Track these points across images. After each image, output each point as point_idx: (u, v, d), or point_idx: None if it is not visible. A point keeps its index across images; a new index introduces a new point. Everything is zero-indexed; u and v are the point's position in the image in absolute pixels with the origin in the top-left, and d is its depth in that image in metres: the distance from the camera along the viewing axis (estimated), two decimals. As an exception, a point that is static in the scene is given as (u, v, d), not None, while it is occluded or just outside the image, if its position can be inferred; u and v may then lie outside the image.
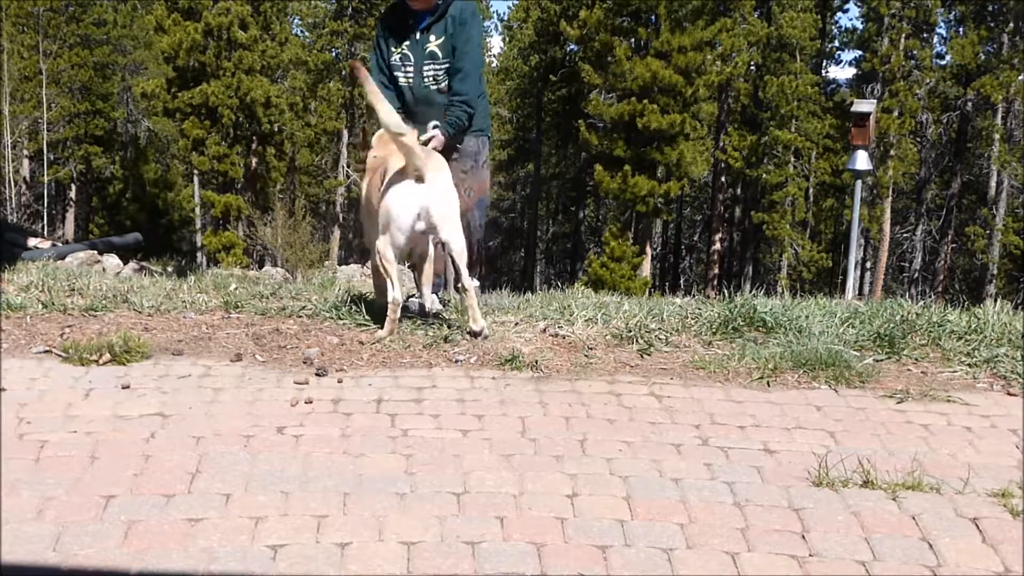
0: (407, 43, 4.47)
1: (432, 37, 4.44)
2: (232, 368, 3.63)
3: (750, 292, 4.75)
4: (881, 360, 3.87)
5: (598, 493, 2.62)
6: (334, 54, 32.98)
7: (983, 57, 29.33)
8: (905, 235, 33.09)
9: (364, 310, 4.36)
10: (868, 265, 31.57)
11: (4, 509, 2.41)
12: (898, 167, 28.06)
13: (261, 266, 22.46)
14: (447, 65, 4.45)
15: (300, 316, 4.40)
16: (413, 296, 4.63)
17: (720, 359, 3.81)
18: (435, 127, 4.38)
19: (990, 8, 30.38)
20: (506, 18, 35.59)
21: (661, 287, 31.20)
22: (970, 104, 30.26)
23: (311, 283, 5.83)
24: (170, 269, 10.96)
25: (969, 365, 3.81)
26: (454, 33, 4.42)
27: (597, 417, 3.19)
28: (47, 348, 3.74)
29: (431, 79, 4.48)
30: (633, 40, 25.18)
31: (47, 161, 30.24)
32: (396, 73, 4.52)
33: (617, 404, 3.33)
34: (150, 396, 3.26)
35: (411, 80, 4.50)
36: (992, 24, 30.04)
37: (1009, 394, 3.54)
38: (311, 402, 3.25)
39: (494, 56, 37.02)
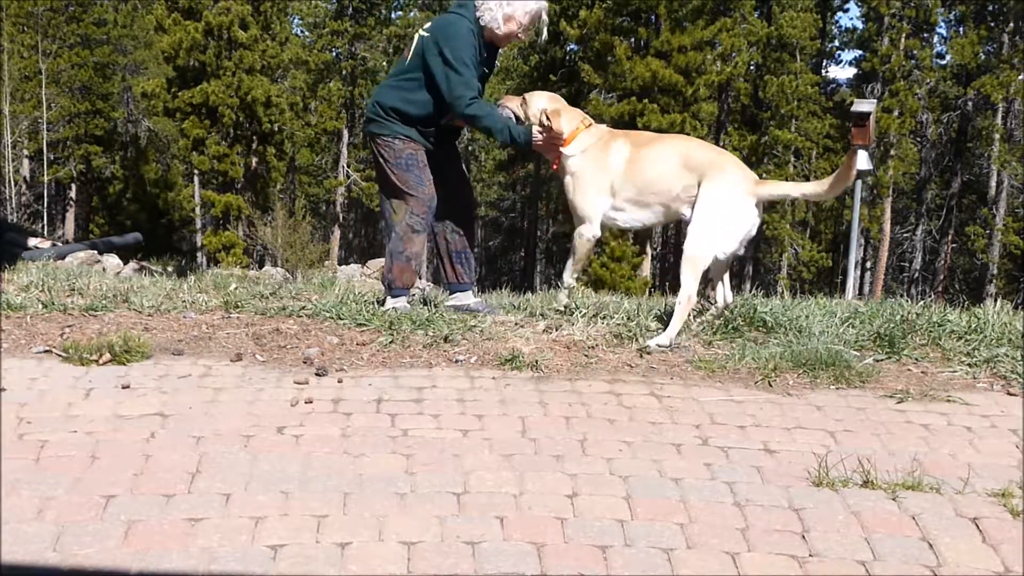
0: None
1: None
2: (232, 368, 3.63)
3: (750, 292, 4.75)
4: (881, 360, 3.86)
5: (598, 493, 2.61)
6: (334, 54, 33.04)
7: (983, 57, 29.39)
8: (905, 235, 33.11)
9: (364, 310, 4.36)
10: (868, 265, 31.59)
11: (4, 509, 2.41)
12: (898, 167, 28.09)
13: (261, 266, 22.49)
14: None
15: (300, 316, 4.40)
16: (404, 295, 4.63)
17: (720, 359, 3.81)
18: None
19: (990, 8, 30.43)
20: (506, 18, 35.56)
21: (661, 287, 31.16)
22: (970, 104, 30.30)
23: (311, 283, 5.82)
24: (170, 269, 10.96)
25: (969, 365, 3.81)
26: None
27: (597, 417, 3.19)
28: (47, 348, 3.74)
29: None
30: (633, 40, 25.19)
31: (47, 161, 30.29)
32: None
33: (617, 404, 3.33)
34: (150, 396, 3.26)
35: None
36: (992, 24, 30.09)
37: (1009, 394, 3.54)
38: (311, 402, 3.25)
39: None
